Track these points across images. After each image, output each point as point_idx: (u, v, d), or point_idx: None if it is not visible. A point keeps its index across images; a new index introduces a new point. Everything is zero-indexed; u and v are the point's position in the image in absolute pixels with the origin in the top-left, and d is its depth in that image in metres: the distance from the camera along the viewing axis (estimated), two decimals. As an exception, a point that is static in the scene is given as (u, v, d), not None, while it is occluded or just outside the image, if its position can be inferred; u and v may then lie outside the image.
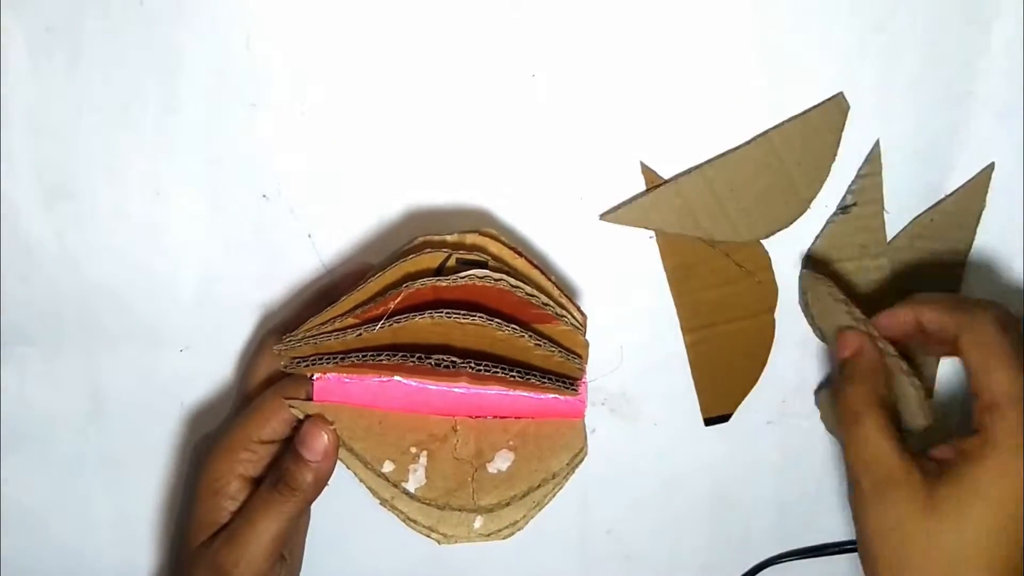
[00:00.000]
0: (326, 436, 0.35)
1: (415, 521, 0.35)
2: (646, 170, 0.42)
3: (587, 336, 0.38)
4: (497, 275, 0.34)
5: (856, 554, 0.46)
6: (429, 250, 0.35)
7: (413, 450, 0.36)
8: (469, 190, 0.42)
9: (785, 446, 0.46)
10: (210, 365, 0.42)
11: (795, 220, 0.43)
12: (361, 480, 0.36)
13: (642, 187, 0.42)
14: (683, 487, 0.46)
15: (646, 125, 0.42)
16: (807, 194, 0.42)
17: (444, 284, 0.34)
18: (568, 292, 0.38)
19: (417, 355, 0.34)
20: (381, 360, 0.35)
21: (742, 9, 0.41)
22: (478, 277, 0.34)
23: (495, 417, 0.37)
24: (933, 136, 0.43)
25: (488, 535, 0.36)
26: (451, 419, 0.37)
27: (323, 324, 0.36)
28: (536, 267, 0.37)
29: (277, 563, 0.37)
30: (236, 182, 0.41)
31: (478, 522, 0.36)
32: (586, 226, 0.42)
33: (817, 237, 0.43)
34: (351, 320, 0.35)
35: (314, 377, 0.37)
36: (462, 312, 0.34)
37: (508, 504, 0.36)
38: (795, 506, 0.47)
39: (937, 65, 0.42)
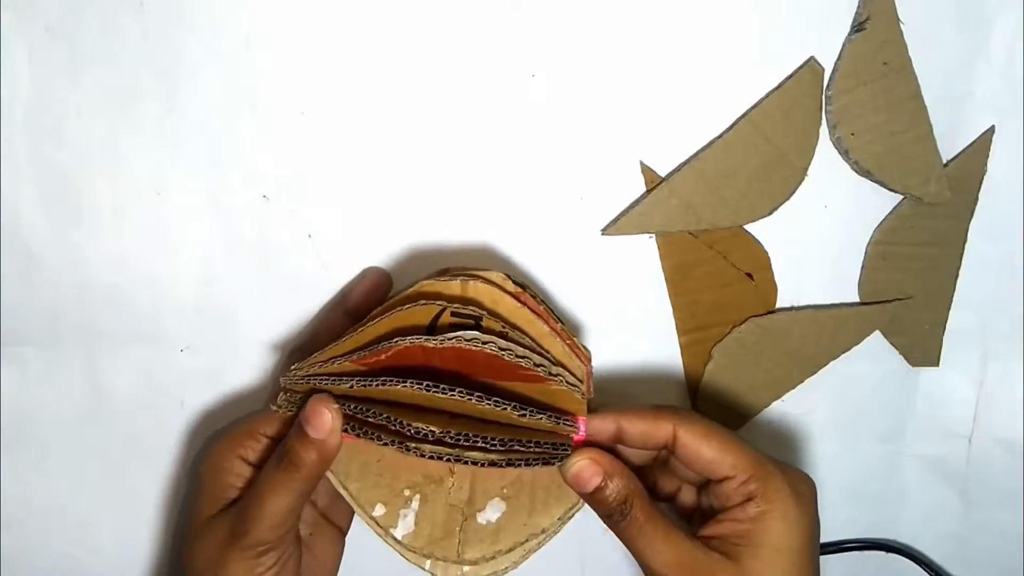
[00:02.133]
0: (330, 414, 0.35)
1: (406, 558, 0.36)
2: (646, 169, 0.42)
3: (588, 343, 0.37)
4: (486, 338, 0.34)
5: (857, 553, 0.47)
6: (424, 302, 0.35)
7: (407, 492, 0.36)
8: (470, 190, 0.42)
9: (781, 445, 0.46)
10: (210, 365, 0.42)
11: (795, 190, 0.43)
12: (358, 515, 0.36)
13: (641, 186, 0.42)
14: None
15: (645, 124, 0.42)
16: (801, 163, 0.42)
17: (431, 345, 0.34)
18: (573, 334, 0.37)
19: (399, 421, 0.34)
20: (368, 418, 0.35)
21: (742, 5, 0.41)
22: (466, 340, 0.34)
23: None
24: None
25: (478, 574, 0.36)
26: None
27: (324, 363, 0.36)
28: (540, 315, 0.36)
29: (291, 540, 0.37)
30: (236, 182, 0.41)
31: (466, 567, 0.36)
32: (586, 227, 0.42)
33: (837, 61, 0.42)
34: (348, 365, 0.35)
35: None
36: (441, 387, 0.34)
37: (492, 558, 0.36)
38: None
39: (937, 65, 0.42)
